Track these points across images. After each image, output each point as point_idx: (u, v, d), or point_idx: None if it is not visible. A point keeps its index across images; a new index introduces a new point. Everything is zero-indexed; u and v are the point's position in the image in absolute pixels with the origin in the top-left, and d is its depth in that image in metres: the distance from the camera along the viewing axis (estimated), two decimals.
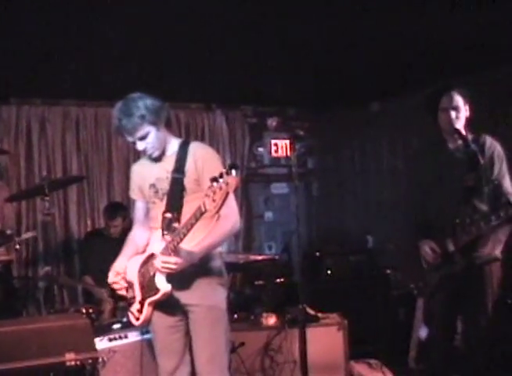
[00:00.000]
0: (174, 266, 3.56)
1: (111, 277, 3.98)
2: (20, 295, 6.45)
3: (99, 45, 5.44)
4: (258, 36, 5.52)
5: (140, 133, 3.81)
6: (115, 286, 3.99)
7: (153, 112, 3.80)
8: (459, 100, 4.54)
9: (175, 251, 3.57)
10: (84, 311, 5.62)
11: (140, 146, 3.88)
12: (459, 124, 4.53)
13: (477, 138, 4.55)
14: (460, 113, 4.54)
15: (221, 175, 3.12)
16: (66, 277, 7.21)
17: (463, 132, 4.51)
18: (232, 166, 3.11)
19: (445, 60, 6.22)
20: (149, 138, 3.84)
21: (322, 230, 9.01)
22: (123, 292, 3.98)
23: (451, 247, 4.50)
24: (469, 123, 4.57)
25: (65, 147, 7.54)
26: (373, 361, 6.16)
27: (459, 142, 4.56)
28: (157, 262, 3.57)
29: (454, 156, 4.61)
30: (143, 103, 3.79)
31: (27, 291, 6.58)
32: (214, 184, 3.13)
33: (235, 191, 3.19)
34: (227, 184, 3.09)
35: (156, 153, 3.92)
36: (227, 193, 3.12)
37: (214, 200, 3.14)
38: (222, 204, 3.16)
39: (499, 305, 4.70)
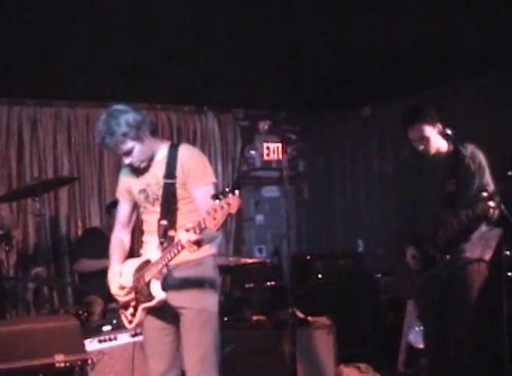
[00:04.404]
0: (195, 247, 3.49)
1: (114, 289, 3.96)
2: (10, 296, 6.44)
3: (90, 45, 5.44)
4: (250, 40, 5.54)
5: (124, 149, 3.81)
6: (118, 298, 3.97)
7: (134, 127, 3.77)
8: (424, 130, 4.60)
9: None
10: (73, 312, 5.61)
11: (126, 160, 3.88)
12: (433, 147, 4.66)
13: (458, 147, 4.61)
14: (431, 140, 4.63)
15: (223, 193, 3.11)
16: (56, 279, 7.21)
17: (441, 149, 4.67)
18: (235, 186, 3.11)
19: (435, 66, 6.25)
20: (134, 152, 3.83)
21: (312, 234, 9.03)
22: (123, 299, 3.94)
23: (431, 250, 4.61)
24: (445, 135, 4.65)
25: (56, 148, 7.51)
26: (362, 365, 6.18)
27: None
28: (183, 237, 3.47)
29: (436, 163, 4.70)
30: (125, 120, 3.76)
31: (16, 291, 6.57)
32: (216, 201, 3.12)
33: (237, 212, 3.17)
34: (229, 205, 3.09)
35: (142, 165, 3.91)
36: (229, 214, 3.11)
37: (214, 219, 3.13)
38: (223, 224, 3.16)
39: (484, 308, 4.76)
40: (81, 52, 5.56)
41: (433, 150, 4.65)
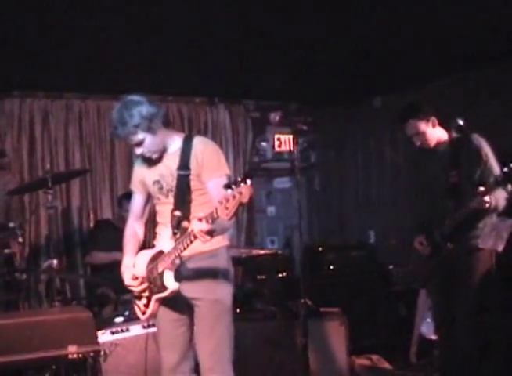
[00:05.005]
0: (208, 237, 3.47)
1: (128, 280, 3.97)
2: (22, 288, 6.45)
3: (101, 38, 5.44)
4: (261, 30, 5.53)
5: (135, 140, 3.83)
6: (133, 289, 3.97)
7: (147, 119, 3.77)
8: (418, 126, 4.75)
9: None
10: (85, 304, 5.63)
11: (137, 151, 3.89)
12: (432, 141, 4.79)
13: (464, 135, 4.67)
14: (426, 135, 4.76)
15: (235, 182, 3.11)
16: (68, 271, 7.24)
17: (441, 140, 4.79)
18: (247, 175, 3.11)
19: (446, 56, 6.23)
20: (145, 143, 3.84)
21: (323, 225, 9.02)
22: (137, 289, 3.94)
23: (437, 238, 4.71)
24: (443, 125, 4.73)
25: (68, 140, 7.52)
26: (374, 356, 6.19)
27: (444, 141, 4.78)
28: (195, 226, 3.47)
29: (439, 155, 4.80)
30: (137, 111, 3.76)
31: (28, 283, 6.58)
32: (228, 191, 3.12)
33: (248, 202, 3.17)
34: (240, 194, 3.09)
35: (154, 156, 3.92)
36: (240, 203, 3.11)
37: (226, 208, 3.13)
38: (235, 213, 3.16)
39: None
40: (92, 44, 5.56)
41: (432, 143, 4.78)
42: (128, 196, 6.13)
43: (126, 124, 3.76)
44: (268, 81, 7.20)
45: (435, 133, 4.76)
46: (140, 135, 3.80)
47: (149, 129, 3.80)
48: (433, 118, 4.73)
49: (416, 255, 4.92)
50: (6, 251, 6.03)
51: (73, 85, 7.14)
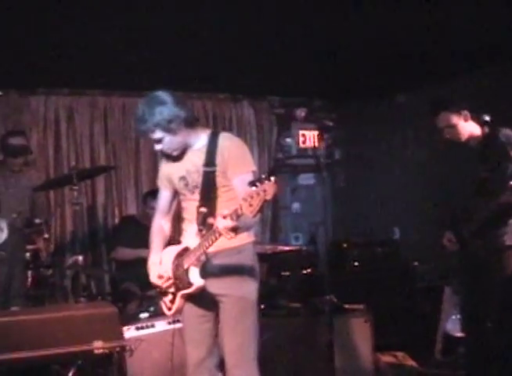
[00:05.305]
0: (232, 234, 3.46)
1: (154, 276, 3.97)
2: (48, 283, 6.50)
3: (126, 34, 5.46)
4: (285, 27, 5.52)
5: (153, 137, 3.84)
6: (159, 285, 3.98)
7: (166, 120, 3.76)
8: (450, 119, 4.74)
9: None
10: (110, 300, 5.65)
11: (156, 147, 3.90)
12: (464, 135, 4.75)
13: (494, 132, 4.61)
14: (458, 127, 4.74)
15: (259, 179, 3.11)
16: (94, 267, 7.28)
17: (474, 134, 4.73)
18: (272, 172, 3.11)
19: (470, 50, 6.18)
20: (164, 142, 3.84)
21: (347, 221, 8.99)
22: (163, 285, 3.95)
23: (466, 234, 4.68)
24: (476, 119, 4.69)
25: (93, 137, 7.58)
26: (399, 353, 6.17)
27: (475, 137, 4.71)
28: (220, 223, 3.46)
29: (470, 149, 4.79)
30: (159, 111, 3.75)
31: (54, 279, 6.63)
32: (253, 188, 3.12)
33: (273, 199, 3.17)
34: (265, 191, 3.09)
35: (174, 153, 3.92)
36: (265, 200, 3.11)
37: (251, 205, 3.13)
38: (259, 210, 3.16)
39: None
40: (117, 40, 5.58)
41: (464, 137, 4.74)
42: (152, 193, 6.16)
43: (145, 122, 3.77)
44: (292, 77, 7.19)
45: (467, 127, 4.71)
46: (159, 134, 3.80)
47: (169, 130, 3.79)
48: (465, 112, 4.68)
49: (443, 252, 4.89)
50: (32, 246, 6.07)
51: (97, 82, 7.18)
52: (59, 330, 3.96)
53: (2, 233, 4.25)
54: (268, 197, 3.11)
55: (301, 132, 8.75)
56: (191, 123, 3.90)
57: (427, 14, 5.24)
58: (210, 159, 3.84)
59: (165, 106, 3.78)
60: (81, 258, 5.78)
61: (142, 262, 4.15)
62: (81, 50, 5.77)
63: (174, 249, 3.91)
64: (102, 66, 6.35)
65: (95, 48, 5.77)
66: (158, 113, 3.75)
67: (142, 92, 4.55)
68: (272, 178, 3.10)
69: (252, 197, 3.12)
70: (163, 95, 3.83)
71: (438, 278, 6.61)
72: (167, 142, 3.84)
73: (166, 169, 4.08)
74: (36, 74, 6.47)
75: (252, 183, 3.14)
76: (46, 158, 7.34)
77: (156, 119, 3.75)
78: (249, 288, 3.91)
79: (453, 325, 6.07)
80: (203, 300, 3.87)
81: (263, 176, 3.11)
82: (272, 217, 8.46)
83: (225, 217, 3.33)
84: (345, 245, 7.31)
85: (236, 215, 3.26)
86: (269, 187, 3.09)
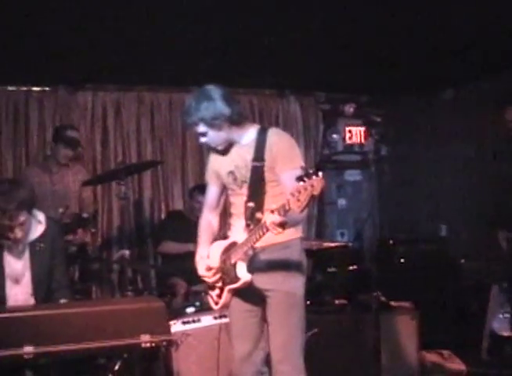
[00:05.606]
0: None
1: (202, 270, 4.00)
2: (95, 277, 6.57)
3: (173, 31, 5.48)
4: (333, 23, 5.49)
5: (198, 131, 3.88)
6: (206, 279, 4.01)
7: (212, 118, 3.79)
8: None
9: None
10: (157, 294, 5.69)
11: (200, 139, 3.94)
12: None
13: None
14: None
15: (307, 175, 3.10)
16: (140, 261, 7.33)
17: None
18: (319, 168, 3.10)
19: None
20: (208, 136, 3.88)
21: (394, 218, 8.93)
22: (211, 279, 3.98)
23: None
24: None
25: (140, 133, 7.63)
26: (445, 352, 6.11)
27: None
28: (267, 218, 3.45)
29: None
30: (205, 107, 3.78)
31: (101, 273, 6.70)
32: (300, 183, 3.11)
33: (320, 194, 3.16)
34: (312, 186, 3.08)
35: (219, 147, 3.96)
36: (312, 196, 3.10)
37: (298, 200, 3.12)
38: (307, 205, 3.15)
39: None
40: (163, 37, 5.60)
41: None
42: (199, 188, 6.20)
43: (191, 115, 3.83)
44: (339, 72, 7.15)
45: None
46: (202, 128, 3.85)
47: (212, 125, 3.82)
48: None
49: (498, 252, 4.81)
50: (80, 240, 6.14)
51: (144, 78, 7.22)
52: (106, 324, 3.98)
53: (41, 225, 4.29)
54: (316, 192, 3.09)
55: (347, 128, 8.69)
56: (236, 121, 3.91)
57: (476, 8, 5.17)
58: (259, 154, 3.84)
59: (212, 101, 3.80)
60: (127, 252, 5.82)
61: (189, 257, 4.17)
62: (128, 46, 5.81)
63: (222, 244, 3.93)
64: (149, 62, 6.38)
65: (143, 44, 5.80)
66: (204, 108, 3.78)
67: (188, 87, 4.59)
68: (320, 174, 3.09)
69: (300, 192, 3.11)
70: (212, 90, 3.85)
71: (485, 276, 6.51)
72: (210, 136, 3.88)
73: (214, 164, 4.10)
74: (84, 70, 6.53)
75: (300, 178, 3.12)
76: (94, 153, 7.41)
77: (202, 114, 3.79)
78: (296, 283, 3.91)
79: (500, 324, 6.00)
80: (250, 295, 3.88)
81: (310, 171, 3.10)
82: (318, 213, 8.43)
83: (272, 212, 3.33)
84: (391, 242, 7.27)
85: (284, 210, 3.25)
86: (317, 182, 3.08)
